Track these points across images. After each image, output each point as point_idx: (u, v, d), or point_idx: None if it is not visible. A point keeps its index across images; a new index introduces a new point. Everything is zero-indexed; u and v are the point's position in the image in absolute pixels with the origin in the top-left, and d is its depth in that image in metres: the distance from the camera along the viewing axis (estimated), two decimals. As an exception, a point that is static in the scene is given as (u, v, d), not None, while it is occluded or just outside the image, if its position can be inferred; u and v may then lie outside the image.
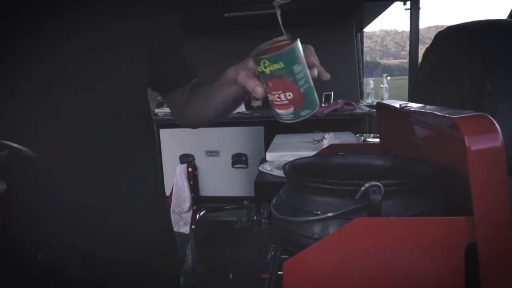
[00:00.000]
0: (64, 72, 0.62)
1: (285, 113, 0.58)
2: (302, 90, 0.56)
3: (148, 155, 0.78)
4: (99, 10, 0.64)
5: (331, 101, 2.78)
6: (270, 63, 0.54)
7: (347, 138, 2.03)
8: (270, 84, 0.56)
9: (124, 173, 0.70)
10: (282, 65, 0.54)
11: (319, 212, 0.53)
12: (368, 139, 1.74)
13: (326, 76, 0.60)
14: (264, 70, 0.55)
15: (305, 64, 0.56)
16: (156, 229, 0.79)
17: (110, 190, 0.68)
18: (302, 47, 0.56)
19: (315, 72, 0.58)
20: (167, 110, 2.51)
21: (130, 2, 0.67)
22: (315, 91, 0.58)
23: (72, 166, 0.64)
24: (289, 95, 0.56)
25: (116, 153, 0.68)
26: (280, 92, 0.56)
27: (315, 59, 0.59)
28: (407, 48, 2.47)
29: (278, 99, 0.57)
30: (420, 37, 2.42)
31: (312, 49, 0.60)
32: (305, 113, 0.58)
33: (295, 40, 0.55)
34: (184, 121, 0.86)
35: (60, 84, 0.62)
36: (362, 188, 0.49)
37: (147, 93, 0.78)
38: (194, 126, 0.90)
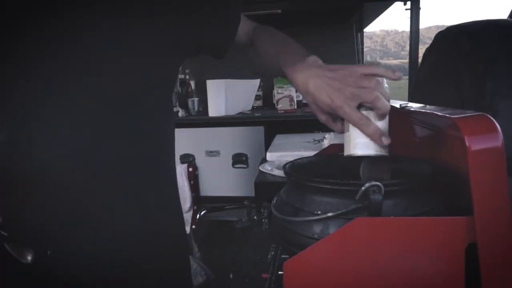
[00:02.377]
0: (64, 72, 0.62)
1: None
2: None
3: (162, 162, 0.76)
4: (99, 10, 0.64)
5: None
6: None
7: (348, 138, 2.02)
8: None
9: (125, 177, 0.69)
10: None
11: (319, 212, 0.53)
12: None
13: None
14: None
15: None
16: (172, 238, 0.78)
17: (116, 193, 0.68)
18: None
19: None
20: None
21: (130, 2, 0.67)
22: None
23: (75, 166, 0.64)
24: None
25: (121, 154, 0.68)
26: None
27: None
28: (407, 48, 2.47)
29: None
30: (421, 37, 2.42)
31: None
32: None
33: None
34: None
35: (60, 84, 0.62)
36: (362, 188, 0.49)
37: (162, 92, 0.74)
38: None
